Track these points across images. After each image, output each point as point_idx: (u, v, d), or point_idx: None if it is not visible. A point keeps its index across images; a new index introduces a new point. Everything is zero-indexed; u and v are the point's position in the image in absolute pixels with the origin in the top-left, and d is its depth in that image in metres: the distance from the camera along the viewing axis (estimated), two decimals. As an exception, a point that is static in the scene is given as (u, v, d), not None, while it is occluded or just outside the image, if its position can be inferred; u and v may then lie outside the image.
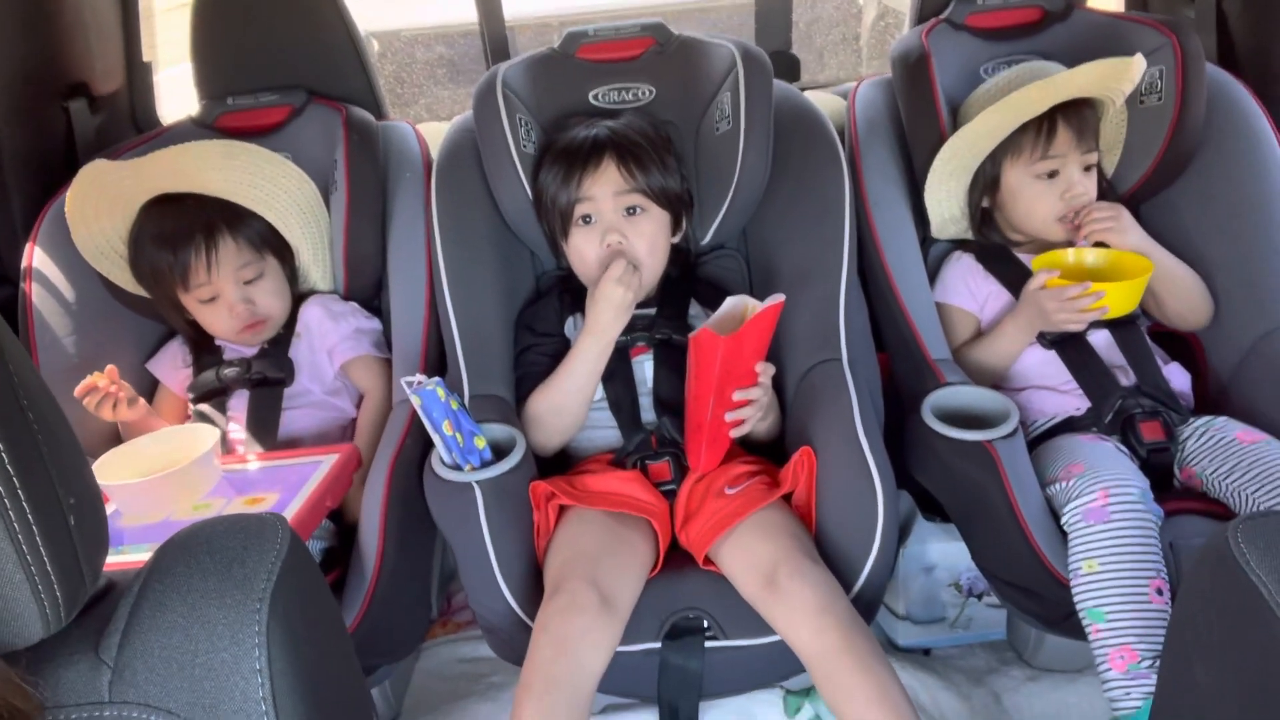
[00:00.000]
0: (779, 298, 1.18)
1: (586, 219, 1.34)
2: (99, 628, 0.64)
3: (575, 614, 1.06)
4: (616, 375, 1.35)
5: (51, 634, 0.61)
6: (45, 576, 0.58)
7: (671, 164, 1.38)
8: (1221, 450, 1.26)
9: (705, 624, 1.15)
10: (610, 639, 1.08)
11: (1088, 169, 1.42)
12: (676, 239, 1.41)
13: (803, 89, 1.65)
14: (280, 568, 0.67)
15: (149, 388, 1.52)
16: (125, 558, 1.10)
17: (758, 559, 1.12)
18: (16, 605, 0.58)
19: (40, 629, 0.60)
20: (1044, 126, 1.38)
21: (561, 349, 1.37)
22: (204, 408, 1.45)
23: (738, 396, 1.21)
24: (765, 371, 1.23)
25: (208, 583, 0.65)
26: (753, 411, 1.23)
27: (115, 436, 1.42)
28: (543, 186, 1.37)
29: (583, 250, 1.34)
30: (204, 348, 1.50)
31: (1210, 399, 1.45)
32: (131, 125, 1.79)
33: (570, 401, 1.32)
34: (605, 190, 1.32)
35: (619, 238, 1.32)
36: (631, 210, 1.34)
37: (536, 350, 1.39)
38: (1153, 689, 1.08)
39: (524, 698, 1.02)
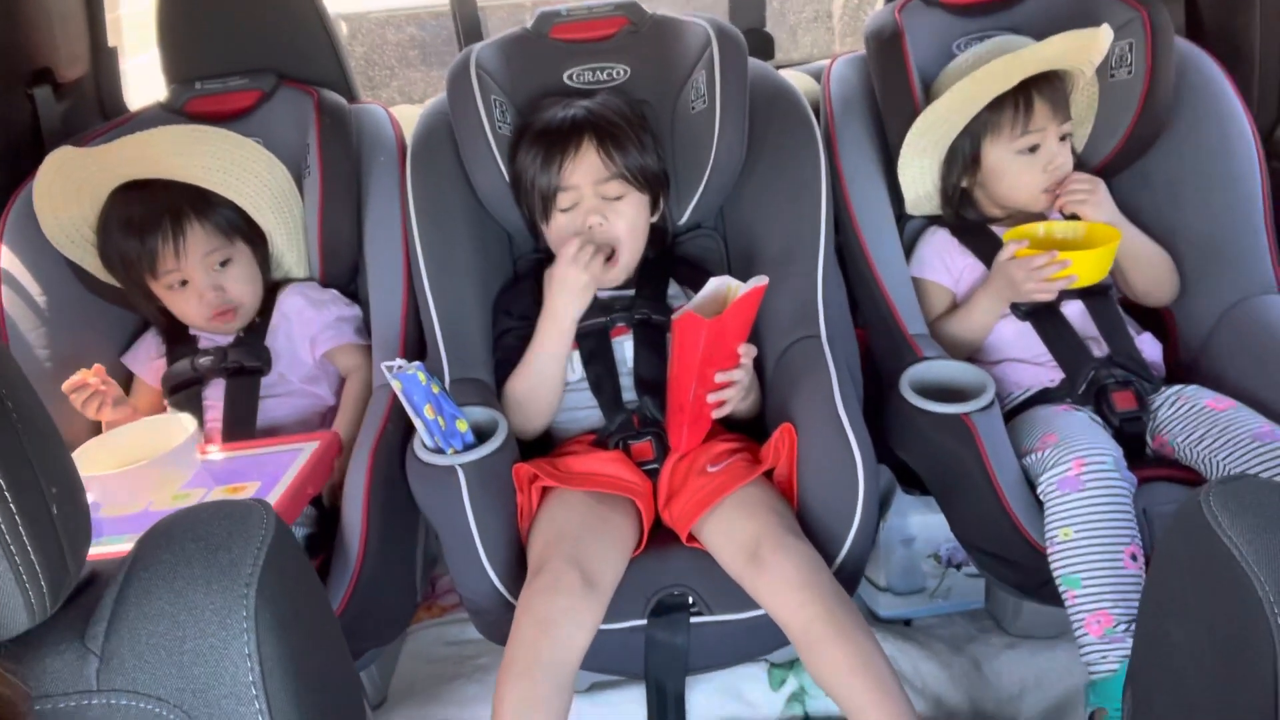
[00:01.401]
0: (762, 280, 1.18)
1: (567, 204, 1.34)
2: (85, 616, 0.64)
3: (558, 594, 1.07)
4: (597, 356, 1.35)
5: (37, 624, 0.61)
6: (29, 566, 0.58)
7: (649, 142, 1.38)
8: (1192, 418, 1.28)
9: (690, 600, 1.16)
10: (593, 618, 1.09)
11: (1063, 139, 1.43)
12: (655, 218, 1.41)
13: (777, 67, 1.65)
14: (266, 553, 0.67)
15: (124, 382, 1.50)
16: (106, 548, 1.10)
17: (741, 535, 1.13)
18: (1, 595, 0.57)
19: (25, 619, 0.59)
20: (1020, 102, 1.39)
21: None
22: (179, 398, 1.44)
23: (720, 378, 1.21)
24: (747, 353, 1.23)
25: (193, 569, 0.65)
26: (734, 392, 1.23)
27: (94, 430, 1.41)
28: (521, 169, 1.36)
29: (563, 234, 1.34)
30: (177, 337, 1.49)
31: (1181, 368, 1.47)
32: (98, 112, 1.76)
33: (540, 385, 1.32)
34: (586, 177, 1.32)
35: (600, 219, 1.32)
36: (611, 198, 1.33)
37: (514, 334, 1.39)
38: (1128, 652, 1.11)
39: (506, 678, 1.03)
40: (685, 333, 1.18)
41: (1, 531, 0.56)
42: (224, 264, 1.42)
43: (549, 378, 1.32)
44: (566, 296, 1.29)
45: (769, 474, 1.25)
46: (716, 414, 1.25)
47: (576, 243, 1.28)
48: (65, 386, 1.31)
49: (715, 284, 1.23)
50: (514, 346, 1.37)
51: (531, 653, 1.04)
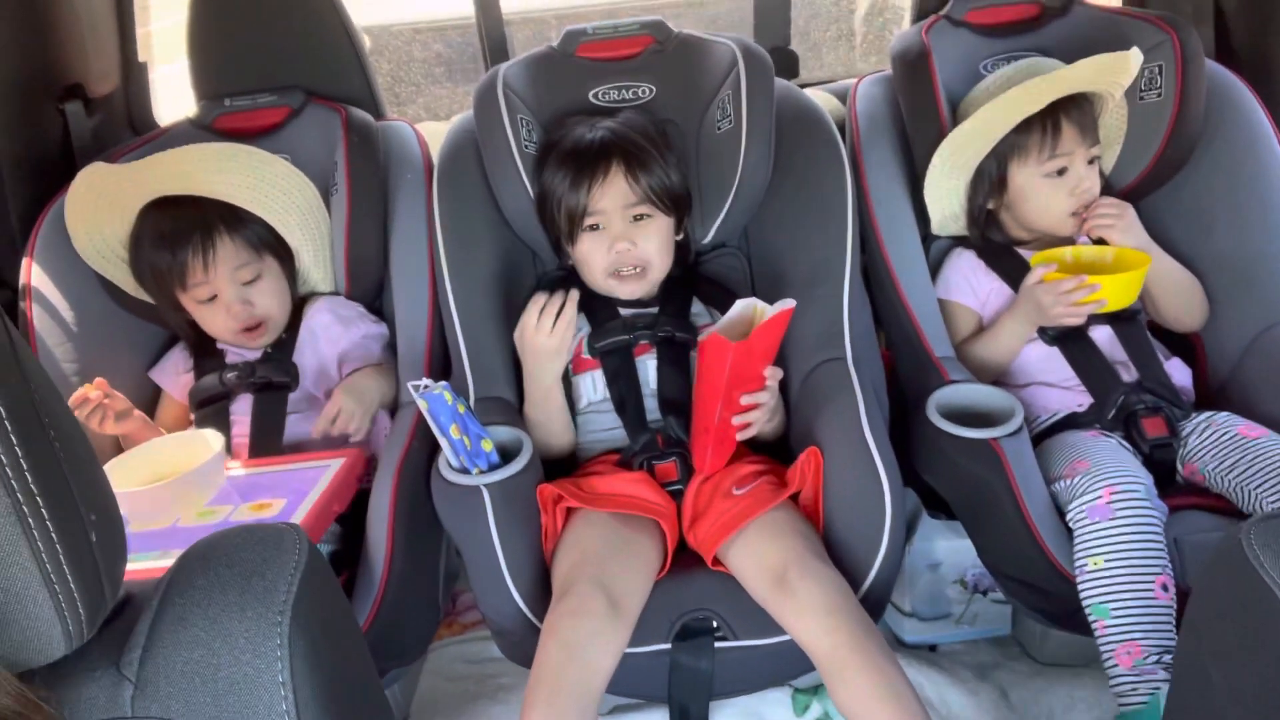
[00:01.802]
0: (789, 303, 1.18)
1: (595, 227, 1.34)
2: (119, 642, 0.64)
3: (584, 617, 1.07)
4: (620, 375, 1.35)
5: (73, 650, 0.61)
6: (68, 594, 0.58)
7: (672, 160, 1.38)
8: (1224, 446, 1.27)
9: (715, 624, 1.15)
10: (619, 642, 1.08)
11: (1091, 162, 1.42)
12: (679, 236, 1.41)
13: (802, 86, 1.65)
14: (300, 579, 0.67)
15: (152, 396, 1.51)
16: (133, 565, 1.09)
17: (767, 560, 1.12)
18: (40, 624, 0.57)
19: (63, 646, 0.59)
20: (1048, 125, 1.38)
21: None
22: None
23: (745, 400, 1.21)
24: (773, 376, 1.23)
25: (228, 596, 0.65)
26: (760, 415, 1.23)
27: (116, 448, 1.42)
28: (548, 188, 1.36)
29: (590, 257, 1.35)
30: (205, 352, 1.50)
31: (1211, 394, 1.45)
32: (128, 127, 1.78)
33: (547, 422, 1.33)
34: (614, 203, 1.32)
35: (628, 245, 1.32)
36: (638, 217, 1.34)
37: None
38: (1159, 684, 1.09)
39: (532, 701, 1.02)
40: (711, 355, 1.17)
41: (43, 560, 0.56)
42: (253, 279, 1.43)
43: (551, 420, 1.33)
44: (540, 362, 1.30)
45: (794, 497, 1.24)
46: (742, 435, 1.24)
47: (535, 310, 1.27)
48: (69, 403, 1.32)
49: (742, 306, 1.23)
50: None
51: (558, 677, 1.03)
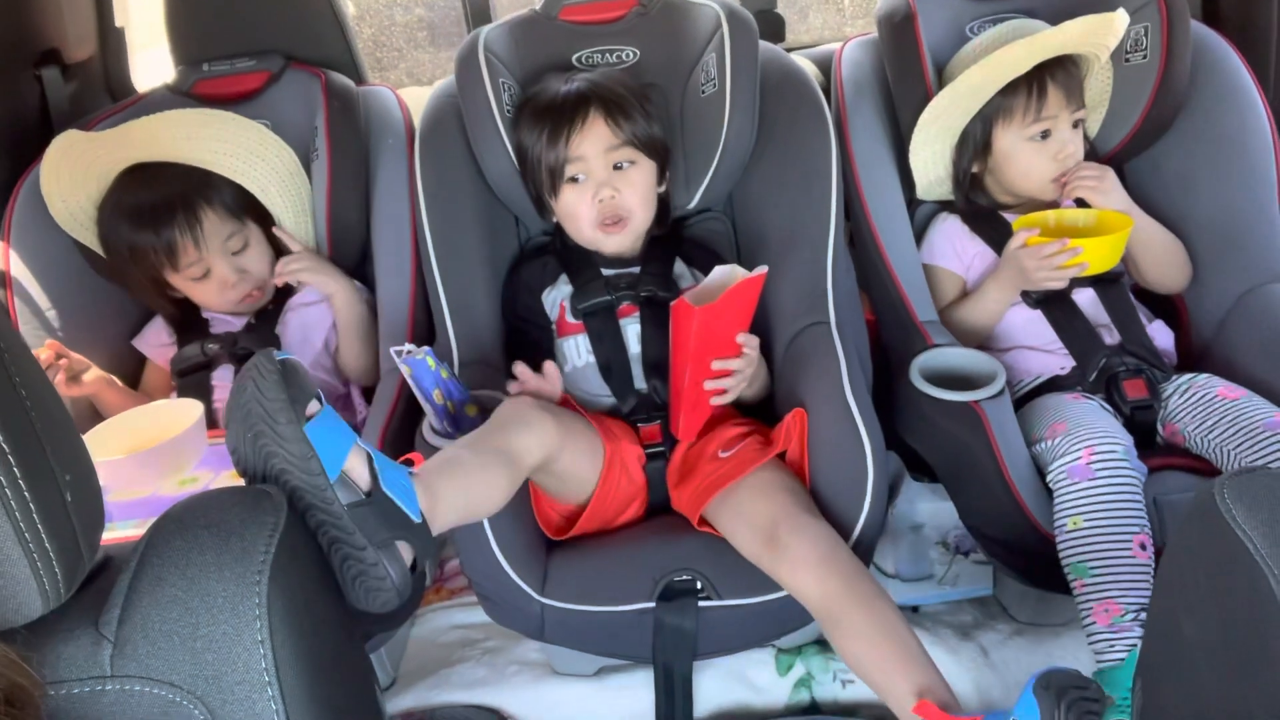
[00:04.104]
0: (761, 269, 1.18)
1: (576, 178, 1.33)
2: (98, 603, 0.64)
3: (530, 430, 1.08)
4: (604, 337, 1.35)
5: (51, 610, 0.61)
6: (44, 553, 0.58)
7: (652, 112, 1.37)
8: (1204, 407, 1.27)
9: (698, 584, 1.16)
10: (553, 443, 1.10)
11: (1075, 125, 1.42)
12: (662, 189, 1.40)
13: (787, 49, 1.64)
14: (278, 540, 0.67)
15: (136, 363, 1.51)
16: (114, 533, 1.10)
17: (757, 518, 1.13)
18: (16, 583, 0.58)
19: (40, 605, 0.60)
20: (1034, 87, 1.37)
21: (542, 323, 1.39)
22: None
23: (717, 366, 1.21)
24: (749, 343, 1.23)
25: (205, 556, 0.65)
26: (733, 382, 1.23)
27: (95, 415, 1.41)
28: (525, 145, 1.35)
29: (574, 209, 1.34)
30: (186, 323, 1.49)
31: (1193, 356, 1.46)
32: (106, 93, 1.76)
33: None
34: (596, 147, 1.30)
35: (612, 192, 1.31)
36: (620, 164, 1.33)
37: (522, 334, 1.40)
38: (1136, 641, 1.11)
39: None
40: (679, 320, 1.18)
41: (16, 519, 0.56)
42: (242, 248, 1.42)
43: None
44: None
45: (781, 457, 1.25)
46: (716, 402, 1.24)
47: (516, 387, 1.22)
48: None
49: (720, 272, 1.22)
50: (524, 345, 1.37)
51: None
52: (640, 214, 1.35)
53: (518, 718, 1.36)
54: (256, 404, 0.78)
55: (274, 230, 1.47)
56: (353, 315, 1.46)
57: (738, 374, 1.22)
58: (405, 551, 0.86)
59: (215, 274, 1.40)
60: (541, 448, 1.09)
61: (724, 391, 1.23)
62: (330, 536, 0.80)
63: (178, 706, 0.62)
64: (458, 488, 0.96)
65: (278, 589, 0.65)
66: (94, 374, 1.37)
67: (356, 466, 0.84)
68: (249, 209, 1.45)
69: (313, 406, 0.81)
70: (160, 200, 1.36)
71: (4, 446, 0.55)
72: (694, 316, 1.14)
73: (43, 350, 1.32)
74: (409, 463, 0.96)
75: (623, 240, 1.36)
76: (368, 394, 1.47)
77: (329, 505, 0.79)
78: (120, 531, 1.10)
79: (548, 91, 1.35)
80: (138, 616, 0.63)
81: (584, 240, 1.37)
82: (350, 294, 1.46)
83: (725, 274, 1.22)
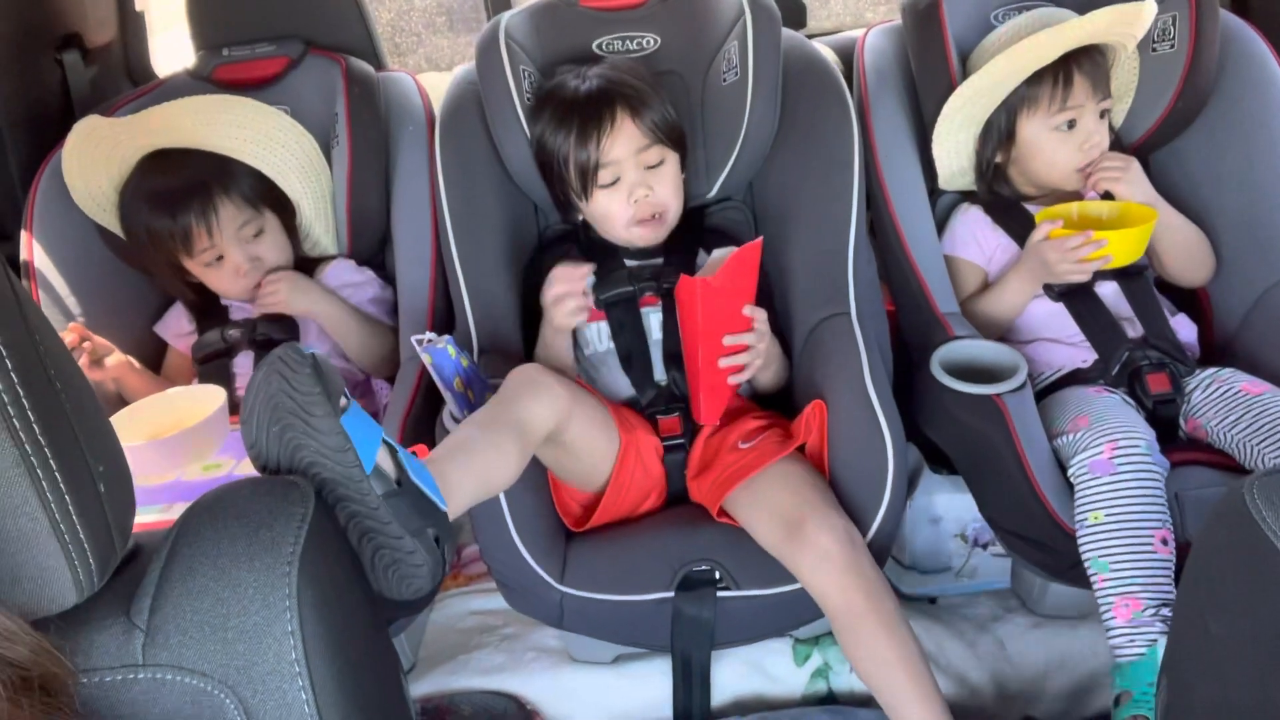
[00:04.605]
0: (757, 239, 1.18)
1: (611, 180, 1.31)
2: (129, 592, 0.65)
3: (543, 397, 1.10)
4: (626, 327, 1.35)
5: (84, 599, 0.61)
6: (78, 543, 0.58)
7: (665, 96, 1.36)
8: (1227, 402, 1.26)
9: (717, 574, 1.16)
10: (562, 411, 1.11)
11: (1101, 115, 1.41)
12: (683, 176, 1.40)
13: (809, 36, 1.62)
14: (307, 530, 0.67)
15: (158, 349, 1.51)
16: (139, 519, 1.10)
17: (780, 509, 1.13)
18: (51, 573, 0.58)
19: (74, 594, 0.60)
20: (1060, 77, 1.36)
21: None
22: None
23: (728, 341, 1.20)
24: (756, 315, 1.22)
25: (236, 547, 0.65)
26: (749, 358, 1.22)
27: (119, 402, 1.42)
28: (551, 146, 1.33)
29: (609, 210, 1.32)
30: (206, 309, 1.49)
31: (1216, 350, 1.45)
32: (126, 77, 1.76)
33: (548, 361, 1.31)
34: (627, 149, 1.29)
35: (646, 190, 1.31)
36: (651, 165, 1.32)
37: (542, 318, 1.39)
38: (1156, 637, 1.10)
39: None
40: (684, 297, 1.19)
41: (51, 510, 0.56)
42: (257, 234, 1.42)
43: (553, 359, 1.31)
44: (563, 322, 1.26)
45: (801, 449, 1.25)
46: (734, 380, 1.24)
47: (557, 290, 1.23)
48: None
49: (720, 253, 1.23)
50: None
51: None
52: (675, 207, 1.35)
53: (535, 704, 1.37)
54: (286, 397, 0.79)
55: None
56: (343, 329, 1.45)
57: (752, 350, 1.22)
58: None
59: (228, 261, 1.40)
60: (552, 415, 1.09)
61: (741, 369, 1.22)
62: (364, 528, 0.80)
63: (209, 696, 0.62)
64: (470, 472, 0.98)
65: (307, 580, 0.65)
66: (116, 358, 1.38)
67: (383, 458, 0.84)
68: (266, 198, 1.44)
69: (341, 401, 0.82)
70: (179, 185, 1.37)
71: (40, 440, 0.55)
72: (696, 290, 1.15)
73: (66, 334, 1.33)
74: (413, 453, 0.97)
75: (659, 234, 1.35)
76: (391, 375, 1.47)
77: (365, 497, 0.80)
78: (144, 517, 1.11)
79: (566, 88, 1.33)
80: (169, 606, 0.63)
81: (617, 238, 1.36)
82: (334, 311, 1.44)
83: (723, 254, 1.22)
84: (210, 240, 1.38)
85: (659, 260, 1.38)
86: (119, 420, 1.25)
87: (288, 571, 0.64)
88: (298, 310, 1.43)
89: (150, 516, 1.11)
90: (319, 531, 0.69)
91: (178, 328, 1.51)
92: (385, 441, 0.86)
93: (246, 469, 1.20)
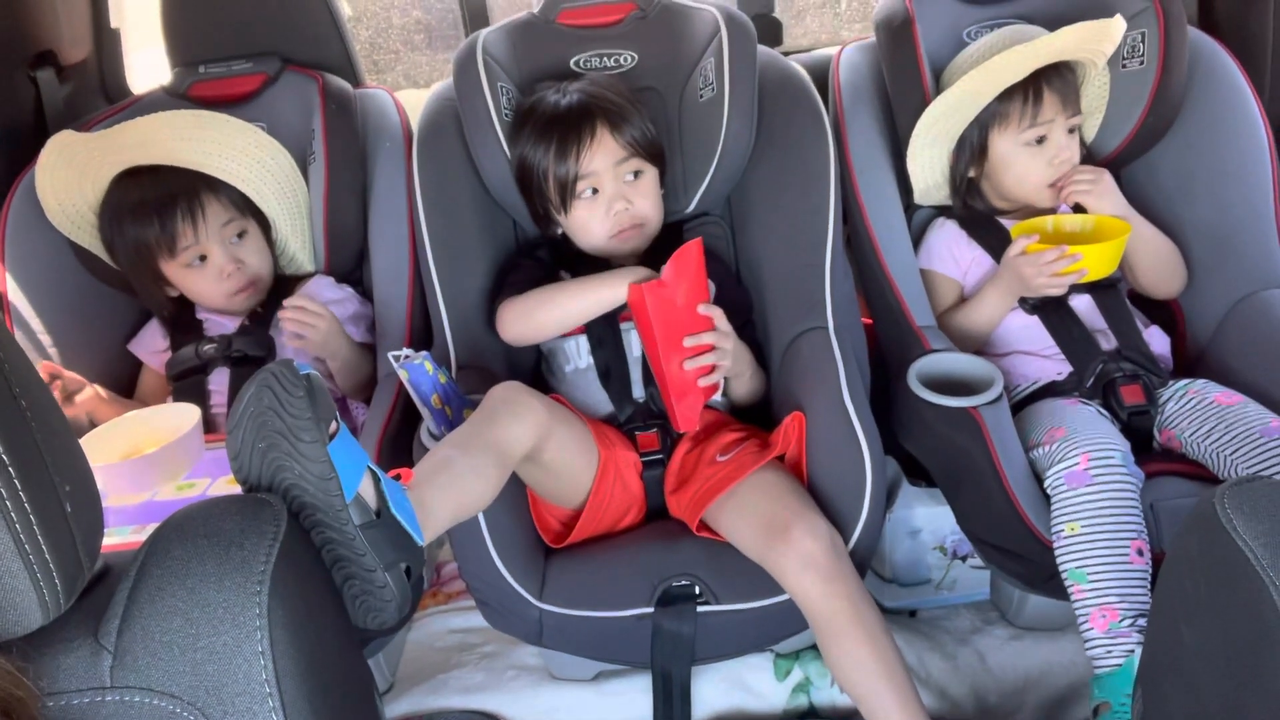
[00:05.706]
0: (697, 239, 1.19)
1: (589, 192, 1.32)
2: (97, 613, 0.64)
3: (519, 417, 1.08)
4: (605, 342, 1.35)
5: (50, 620, 0.60)
6: (44, 564, 0.58)
7: (644, 112, 1.37)
8: (1200, 412, 1.28)
9: (697, 589, 1.16)
10: (538, 429, 1.10)
11: (1071, 131, 1.42)
12: (663, 190, 1.40)
13: (785, 54, 1.64)
14: (278, 549, 0.67)
15: (132, 368, 1.50)
16: (111, 539, 1.10)
17: (762, 515, 1.13)
18: (15, 594, 0.57)
19: (40, 616, 0.59)
20: (1030, 93, 1.38)
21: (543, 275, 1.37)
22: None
23: (689, 342, 1.20)
24: (714, 313, 1.22)
25: (206, 566, 0.64)
26: (716, 358, 1.22)
27: (91, 424, 1.40)
28: (531, 160, 1.34)
29: (588, 224, 1.33)
30: (182, 325, 1.48)
31: (1189, 361, 1.47)
32: (101, 94, 1.75)
33: (548, 319, 1.30)
34: (606, 161, 1.30)
35: (625, 204, 1.31)
36: (630, 176, 1.33)
37: (521, 270, 1.38)
38: (1133, 647, 1.11)
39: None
40: (635, 306, 1.19)
41: (15, 529, 0.56)
42: (241, 235, 1.42)
43: (561, 321, 1.30)
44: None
45: (780, 460, 1.25)
46: (705, 382, 1.22)
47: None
48: None
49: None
50: (515, 283, 1.35)
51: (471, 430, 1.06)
52: (654, 219, 1.36)
53: (515, 723, 1.36)
54: (276, 416, 0.78)
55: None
56: (338, 363, 1.43)
57: (718, 350, 1.22)
58: None
59: (212, 261, 1.39)
60: (531, 435, 1.09)
61: (710, 370, 1.22)
62: (337, 555, 0.80)
63: (178, 718, 0.61)
64: (448, 496, 0.97)
65: (278, 599, 0.64)
66: (87, 393, 1.36)
67: (366, 486, 0.84)
68: (247, 208, 1.44)
69: (331, 426, 0.81)
70: (164, 193, 1.36)
71: (4, 458, 0.54)
72: (642, 294, 1.15)
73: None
74: (397, 477, 0.96)
75: (638, 244, 1.36)
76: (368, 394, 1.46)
77: (343, 526, 0.79)
78: (117, 538, 1.09)
79: (545, 104, 1.34)
80: (137, 627, 0.62)
81: (596, 250, 1.36)
82: (348, 354, 1.43)
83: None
84: (194, 237, 1.37)
85: None
86: (92, 439, 1.24)
87: (258, 591, 0.64)
88: (323, 352, 1.41)
89: (123, 537, 1.10)
90: (291, 551, 0.68)
91: (152, 345, 1.49)
92: (370, 469, 0.85)
93: (221, 488, 1.19)
